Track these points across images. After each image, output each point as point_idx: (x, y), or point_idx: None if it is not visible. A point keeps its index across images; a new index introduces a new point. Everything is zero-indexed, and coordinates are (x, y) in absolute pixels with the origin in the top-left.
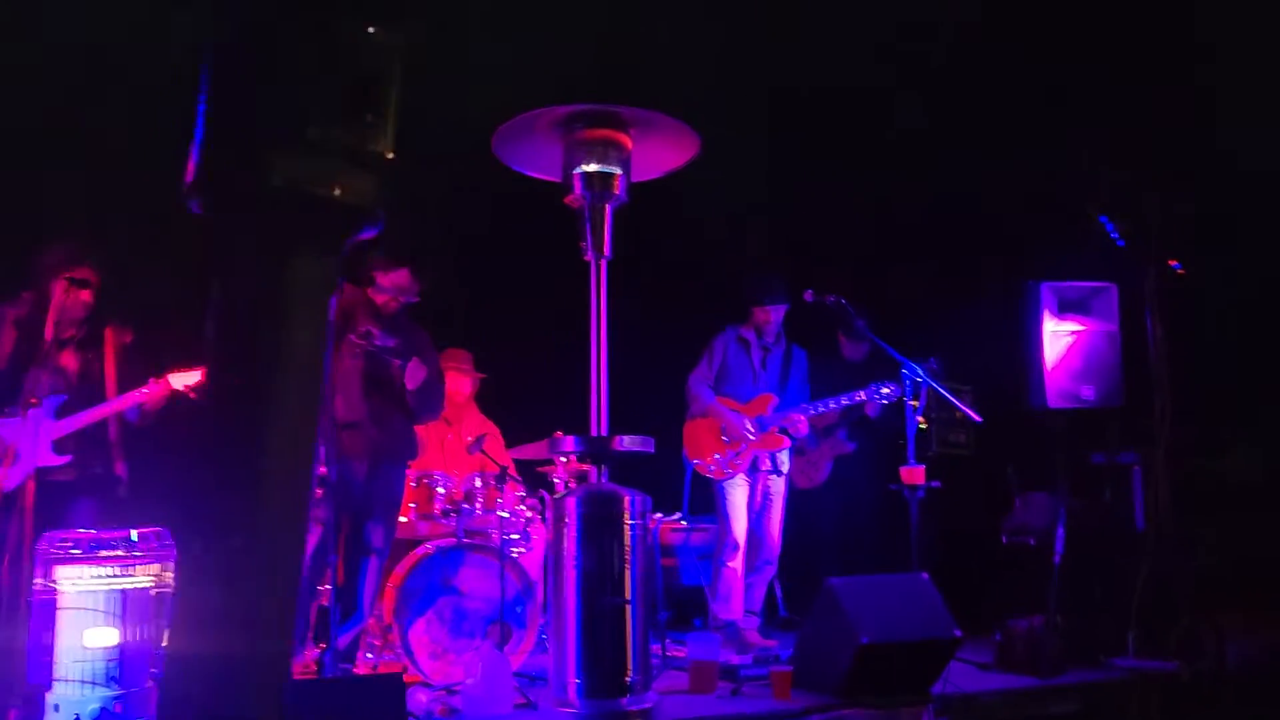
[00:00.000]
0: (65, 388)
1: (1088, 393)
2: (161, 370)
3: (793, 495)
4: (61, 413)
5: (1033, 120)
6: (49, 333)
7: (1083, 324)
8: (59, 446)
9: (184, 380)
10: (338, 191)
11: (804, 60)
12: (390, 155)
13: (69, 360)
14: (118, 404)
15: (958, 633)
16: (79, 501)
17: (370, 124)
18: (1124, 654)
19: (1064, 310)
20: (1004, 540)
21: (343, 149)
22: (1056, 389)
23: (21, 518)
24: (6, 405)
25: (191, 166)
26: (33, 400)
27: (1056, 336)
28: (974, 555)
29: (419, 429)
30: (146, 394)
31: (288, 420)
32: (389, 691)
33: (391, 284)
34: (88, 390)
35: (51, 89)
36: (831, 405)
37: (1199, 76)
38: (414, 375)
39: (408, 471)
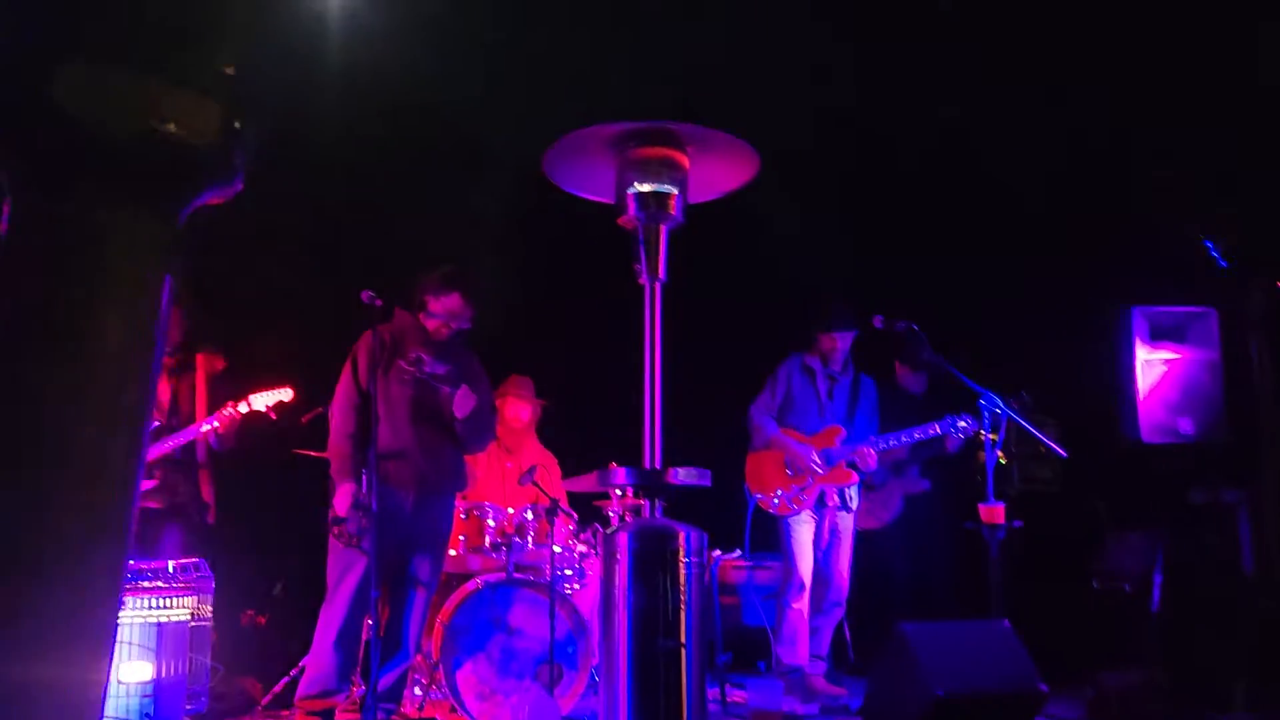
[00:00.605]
0: (157, 414)
1: (1186, 426)
2: (241, 394)
3: (859, 535)
4: (152, 439)
5: (1120, 128)
6: None
7: (1178, 352)
8: (146, 471)
9: (264, 401)
10: (160, 123)
11: (867, 71)
12: (231, 71)
13: (162, 388)
14: (195, 428)
15: (1043, 687)
16: (168, 528)
17: (201, 27)
18: (1232, 712)
19: (1157, 337)
20: (1095, 585)
21: (160, 62)
22: (1151, 422)
23: None
24: None
25: None
26: None
27: (1150, 365)
28: (1061, 601)
29: (478, 459)
30: (226, 415)
31: (86, 434)
32: None
33: (443, 309)
34: (179, 418)
35: None
36: (903, 439)
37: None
38: (463, 404)
39: (458, 502)
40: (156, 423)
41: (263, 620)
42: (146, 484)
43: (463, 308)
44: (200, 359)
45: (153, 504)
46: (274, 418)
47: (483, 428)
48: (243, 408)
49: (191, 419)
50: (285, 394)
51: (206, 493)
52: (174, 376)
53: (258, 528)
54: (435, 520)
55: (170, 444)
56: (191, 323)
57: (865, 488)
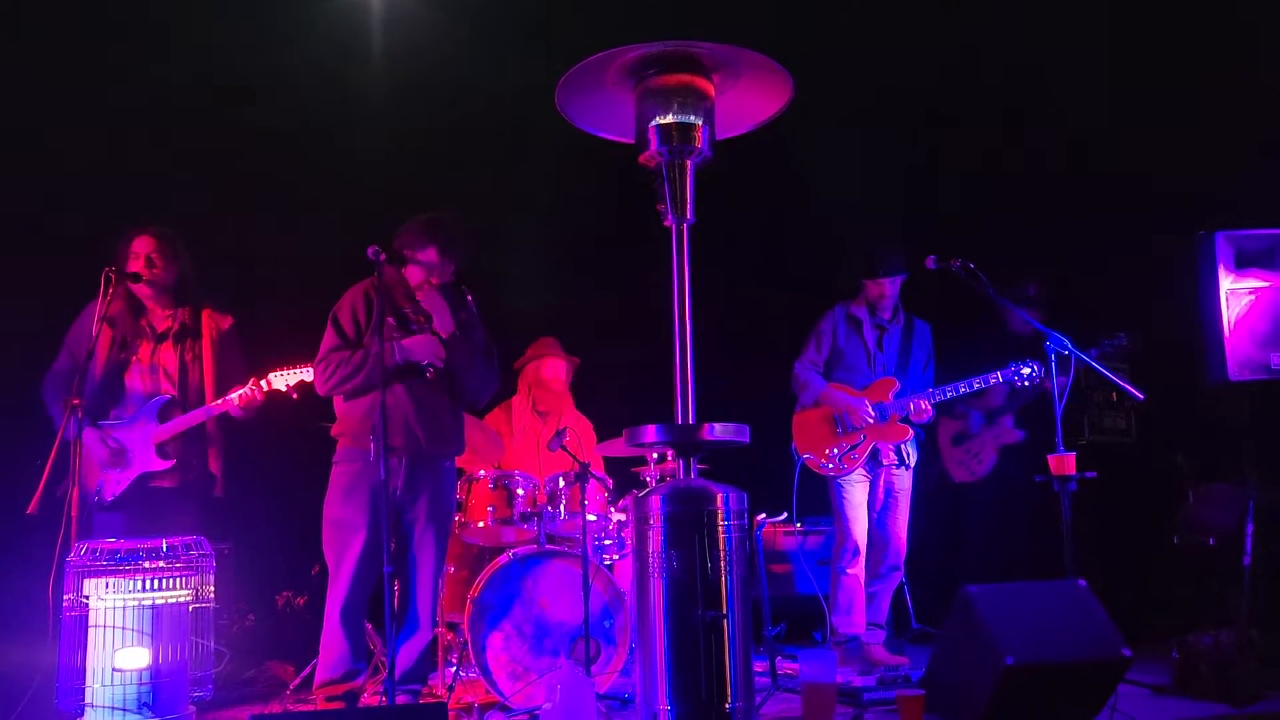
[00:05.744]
0: (170, 387)
1: (1278, 361)
2: (262, 369)
3: (949, 489)
4: (165, 414)
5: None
6: (93, 329)
7: (1268, 279)
8: (162, 450)
9: (285, 380)
10: None
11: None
12: None
13: (167, 357)
14: (219, 406)
15: (1127, 651)
16: (183, 507)
17: None
18: None
19: (1244, 264)
20: (1175, 540)
21: None
22: (1239, 358)
23: (67, 528)
24: (112, 408)
25: None
26: (73, 401)
27: (1235, 295)
28: (1140, 558)
29: (511, 425)
30: (247, 394)
31: None
32: None
33: (421, 262)
34: (189, 389)
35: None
36: (961, 389)
37: None
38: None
39: (486, 471)
40: (168, 395)
41: (301, 601)
42: (164, 464)
43: (441, 261)
44: (205, 317)
45: (166, 483)
46: (295, 397)
47: (480, 367)
48: (264, 384)
49: (202, 389)
50: (308, 374)
51: (214, 465)
52: (178, 342)
53: (294, 507)
54: (432, 487)
55: (187, 422)
56: (189, 277)
57: (954, 439)
